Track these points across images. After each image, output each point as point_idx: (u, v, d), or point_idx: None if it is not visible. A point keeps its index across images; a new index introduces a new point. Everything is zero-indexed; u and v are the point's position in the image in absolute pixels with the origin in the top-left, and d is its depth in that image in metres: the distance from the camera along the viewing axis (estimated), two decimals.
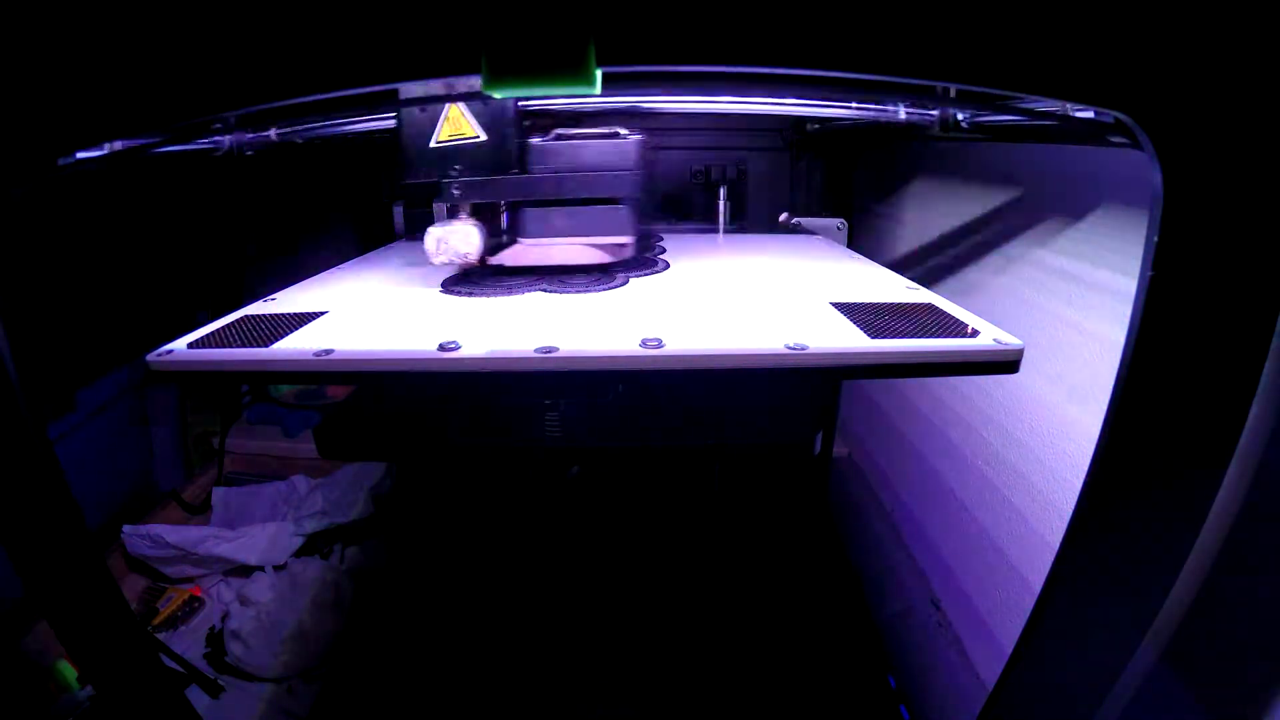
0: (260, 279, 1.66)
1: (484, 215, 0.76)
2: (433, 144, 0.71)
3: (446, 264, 0.73)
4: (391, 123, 0.91)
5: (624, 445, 0.83)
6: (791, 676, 1.13)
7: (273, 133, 1.02)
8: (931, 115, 0.90)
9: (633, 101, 0.92)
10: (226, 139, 1.02)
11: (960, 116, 0.89)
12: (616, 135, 0.75)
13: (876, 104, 0.92)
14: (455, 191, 0.72)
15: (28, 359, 0.51)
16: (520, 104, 0.73)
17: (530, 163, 0.73)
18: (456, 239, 0.71)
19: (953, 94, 0.85)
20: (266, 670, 1.14)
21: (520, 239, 0.77)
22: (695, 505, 1.47)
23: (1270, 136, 0.41)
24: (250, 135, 1.02)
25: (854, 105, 0.93)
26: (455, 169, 0.72)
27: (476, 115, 0.71)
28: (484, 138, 0.71)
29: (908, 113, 0.91)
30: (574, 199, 0.74)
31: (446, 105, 0.70)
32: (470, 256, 0.72)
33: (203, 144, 1.01)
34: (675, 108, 0.97)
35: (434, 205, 1.09)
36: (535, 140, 0.74)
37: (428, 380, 0.57)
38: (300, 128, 1.02)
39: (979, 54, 0.42)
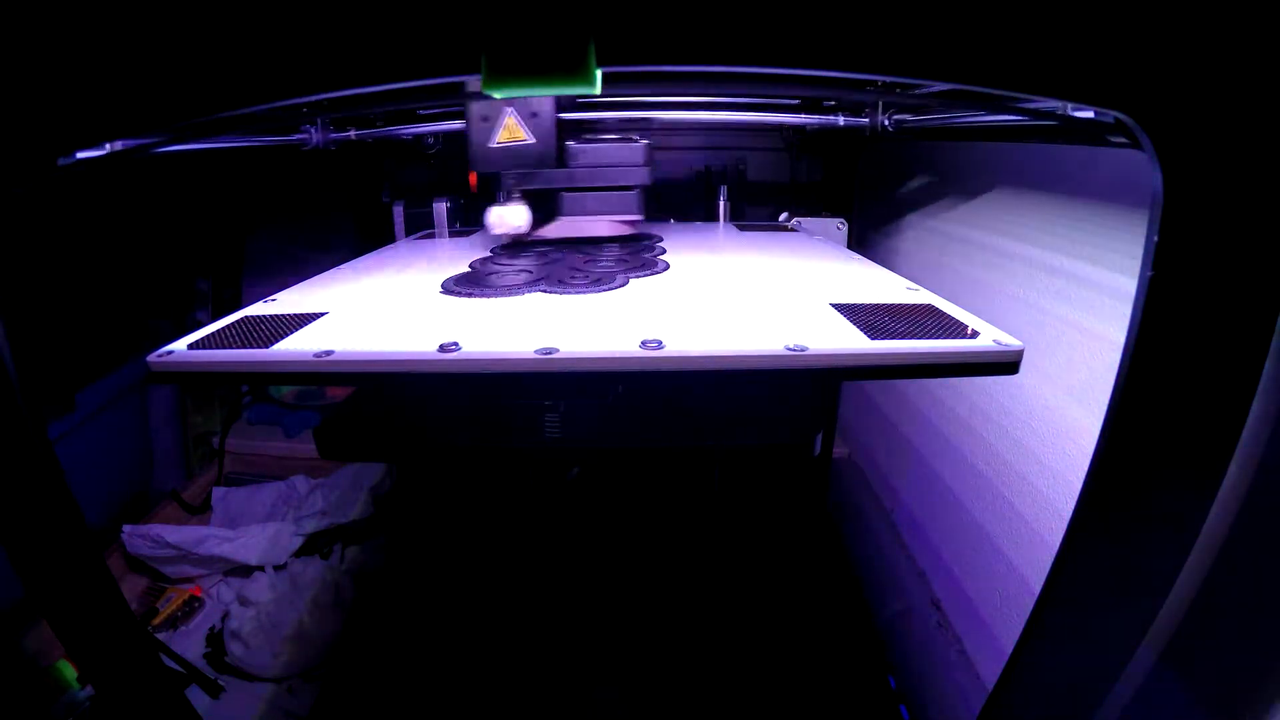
0: (260, 279, 1.66)
1: (528, 201, 0.96)
2: (492, 144, 0.91)
3: (503, 234, 0.95)
4: (444, 126, 1.20)
5: (624, 446, 0.84)
6: (792, 677, 1.13)
7: (352, 133, 1.23)
8: (862, 122, 1.14)
9: (644, 114, 1.19)
10: (315, 135, 1.18)
11: (886, 123, 1.11)
12: (631, 140, 0.99)
13: (822, 114, 1.16)
14: (511, 181, 0.93)
15: (28, 359, 0.51)
16: (559, 115, 0.93)
17: (568, 160, 0.95)
18: (511, 215, 0.93)
19: (881, 106, 1.10)
20: (266, 670, 1.14)
21: (560, 216, 0.98)
22: (695, 506, 1.47)
23: (1270, 136, 0.41)
24: (335, 134, 1.21)
25: (803, 115, 1.18)
26: (511, 164, 0.92)
27: (527, 124, 0.91)
28: (533, 140, 0.91)
29: (846, 121, 1.15)
30: (600, 186, 0.97)
31: (504, 114, 0.90)
32: (522, 228, 0.94)
33: (294, 138, 1.16)
34: (671, 116, 1.14)
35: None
36: (572, 143, 0.96)
37: (428, 381, 0.57)
38: (376, 130, 1.23)
39: (980, 54, 0.42)
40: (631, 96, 1.14)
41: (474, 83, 0.76)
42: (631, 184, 0.98)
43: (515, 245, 0.99)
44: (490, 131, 0.91)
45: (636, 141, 0.97)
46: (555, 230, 0.99)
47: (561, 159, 0.94)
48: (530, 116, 0.90)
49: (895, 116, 1.10)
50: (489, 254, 0.96)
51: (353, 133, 1.23)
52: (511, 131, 0.91)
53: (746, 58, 0.42)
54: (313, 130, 1.19)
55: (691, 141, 1.56)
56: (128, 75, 0.45)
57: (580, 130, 1.05)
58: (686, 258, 0.91)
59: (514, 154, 0.91)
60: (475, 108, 0.90)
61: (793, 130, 1.54)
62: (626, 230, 1.01)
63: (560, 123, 0.93)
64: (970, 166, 1.11)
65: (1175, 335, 0.45)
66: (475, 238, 1.17)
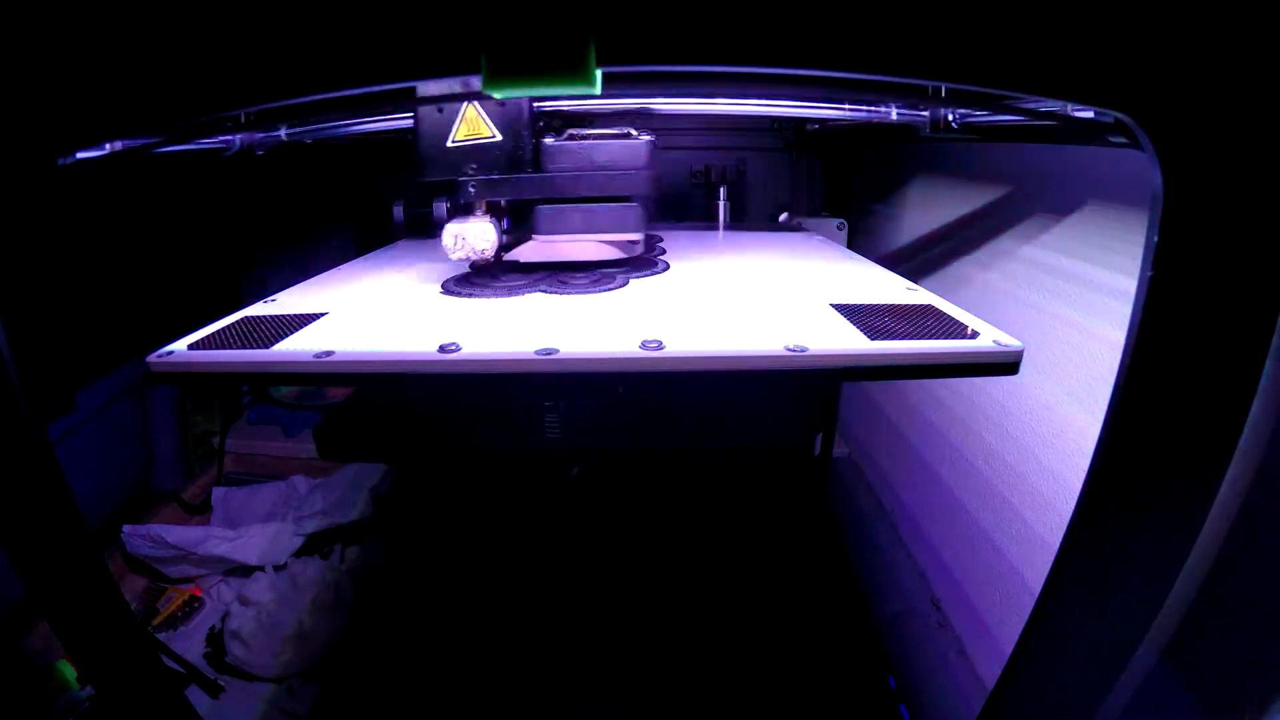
0: (260, 280, 1.66)
1: (497, 213, 0.76)
2: (449, 143, 0.72)
3: (463, 260, 0.74)
4: (398, 123, 0.92)
5: (624, 446, 0.83)
6: (792, 677, 1.13)
7: (282, 132, 1.02)
8: (923, 116, 0.90)
9: (642, 103, 0.92)
10: (237, 138, 1.02)
11: (950, 117, 0.88)
12: (629, 136, 0.76)
13: (870, 105, 0.91)
14: (472, 190, 0.73)
15: (28, 359, 0.51)
16: (535, 105, 0.74)
17: (545, 162, 0.74)
18: (474, 236, 0.73)
19: (944, 94, 0.84)
20: (266, 670, 1.14)
21: (534, 236, 0.78)
22: (695, 506, 1.47)
23: (1270, 136, 0.41)
24: (261, 135, 1.02)
25: (847, 106, 0.92)
26: (472, 168, 0.73)
27: (492, 116, 0.71)
28: (500, 138, 0.72)
29: (899, 114, 0.90)
30: (588, 197, 0.76)
31: (464, 105, 0.71)
32: (487, 253, 0.73)
33: (213, 143, 1.00)
34: (674, 109, 0.96)
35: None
36: (549, 140, 0.75)
37: (428, 382, 0.57)
38: (310, 128, 1.01)
39: (980, 54, 0.42)
40: (626, 87, 0.90)
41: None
42: (629, 194, 0.76)
43: (480, 272, 0.80)
44: (446, 126, 0.72)
45: (635, 138, 0.76)
46: (528, 253, 0.80)
47: (537, 161, 0.74)
48: (497, 106, 0.71)
49: (960, 110, 0.86)
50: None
51: (283, 133, 1.02)
52: (473, 125, 0.71)
53: (747, 58, 0.42)
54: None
55: (690, 141, 1.56)
56: (128, 75, 0.45)
57: (564, 124, 0.83)
58: (686, 258, 0.91)
59: (476, 155, 0.72)
60: (427, 91, 0.71)
61: (793, 129, 1.54)
62: (618, 254, 0.81)
63: (535, 114, 0.74)
64: (970, 166, 1.11)
65: (1175, 335, 0.45)
66: None
